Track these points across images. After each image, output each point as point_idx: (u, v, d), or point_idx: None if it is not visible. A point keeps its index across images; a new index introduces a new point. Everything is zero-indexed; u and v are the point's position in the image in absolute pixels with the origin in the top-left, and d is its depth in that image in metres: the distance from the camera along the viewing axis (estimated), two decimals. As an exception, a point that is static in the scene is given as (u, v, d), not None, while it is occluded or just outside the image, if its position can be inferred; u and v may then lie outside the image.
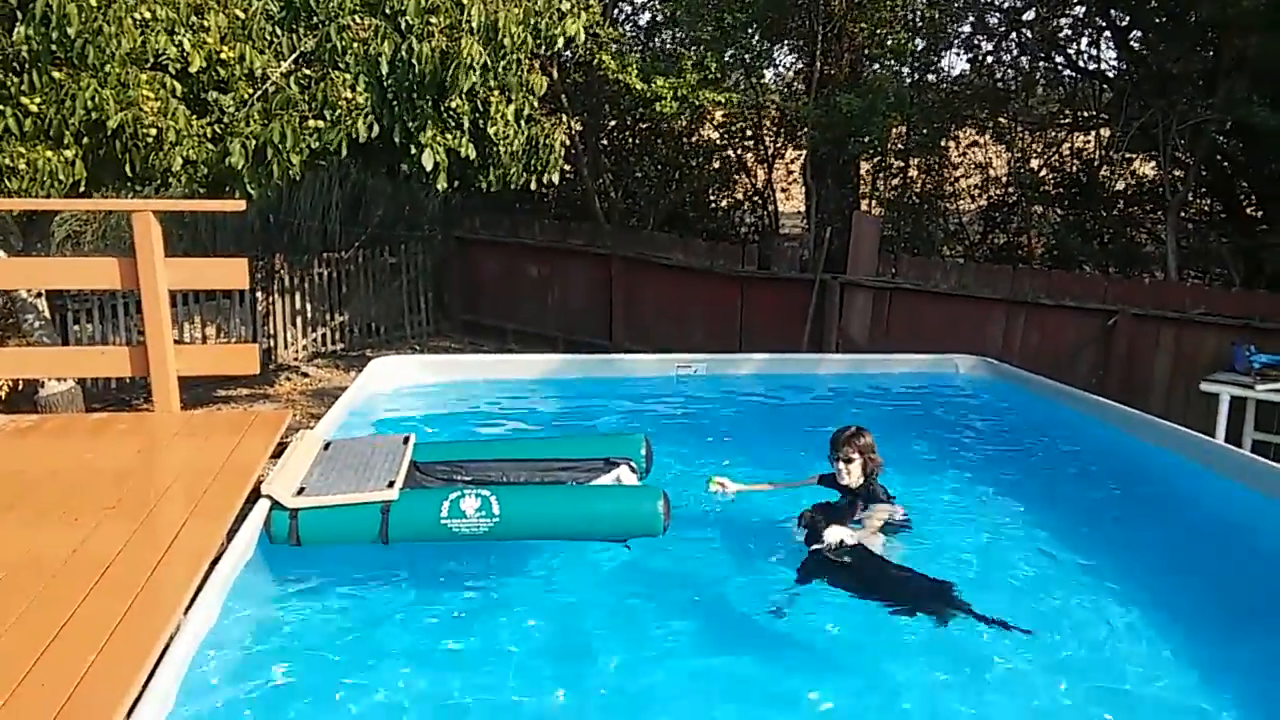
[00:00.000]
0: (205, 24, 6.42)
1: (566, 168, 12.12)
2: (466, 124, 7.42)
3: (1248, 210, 9.68)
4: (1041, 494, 5.61)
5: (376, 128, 7.06)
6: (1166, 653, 4.02)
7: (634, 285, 10.92)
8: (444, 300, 12.39)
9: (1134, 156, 10.23)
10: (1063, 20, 10.76)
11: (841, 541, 4.22)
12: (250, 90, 6.75)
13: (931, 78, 11.14)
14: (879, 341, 9.32)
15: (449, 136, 7.37)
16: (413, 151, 7.25)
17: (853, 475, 4.78)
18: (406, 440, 4.83)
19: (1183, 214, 9.65)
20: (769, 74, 11.63)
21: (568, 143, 8.30)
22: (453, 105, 7.23)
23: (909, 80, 10.73)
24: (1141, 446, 6.14)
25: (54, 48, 5.76)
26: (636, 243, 10.94)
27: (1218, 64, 8.45)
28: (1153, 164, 9.85)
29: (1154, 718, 3.66)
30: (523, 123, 7.93)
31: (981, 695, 3.67)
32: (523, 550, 4.54)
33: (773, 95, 11.52)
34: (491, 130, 7.56)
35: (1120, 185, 10.54)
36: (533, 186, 8.30)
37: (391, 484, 4.26)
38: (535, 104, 7.98)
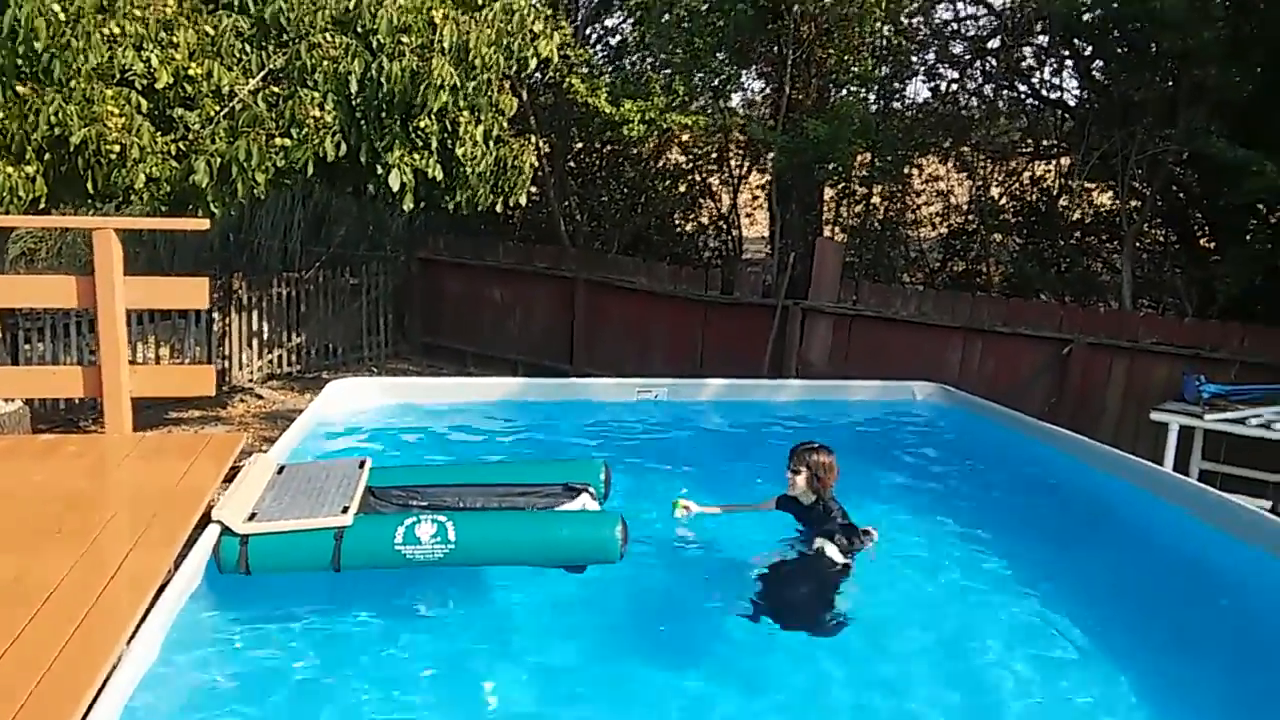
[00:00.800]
0: (174, 40, 6.36)
1: (533, 189, 12.15)
2: (435, 144, 7.40)
3: (1201, 241, 9.85)
4: (995, 520, 5.67)
5: (344, 147, 7.03)
6: (1111, 672, 4.11)
7: (596, 309, 10.93)
8: (404, 322, 12.32)
9: (1092, 186, 10.38)
10: (1026, 49, 10.92)
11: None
12: (217, 107, 6.70)
13: (897, 105, 11.27)
14: (839, 367, 9.39)
15: (417, 157, 7.35)
16: (379, 171, 7.22)
17: (797, 487, 4.92)
18: (362, 464, 4.80)
19: (1138, 244, 9.81)
20: (736, 98, 11.73)
21: (536, 164, 8.30)
22: (421, 125, 7.22)
23: (875, 107, 10.86)
24: (1093, 474, 6.23)
25: (20, 63, 5.70)
26: (600, 266, 10.96)
27: (1177, 94, 8.60)
28: (1110, 194, 10.00)
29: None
30: (491, 144, 7.92)
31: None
32: (478, 576, 4.51)
33: (740, 120, 11.62)
34: (460, 151, 7.54)
35: (1078, 214, 10.69)
36: (500, 208, 8.30)
37: (345, 509, 4.22)
38: (505, 125, 8.00)
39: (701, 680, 3.93)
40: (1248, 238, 8.79)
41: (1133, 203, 9.40)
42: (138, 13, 6.18)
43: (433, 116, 7.15)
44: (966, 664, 4.17)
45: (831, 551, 4.62)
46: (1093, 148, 9.34)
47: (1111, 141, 9.05)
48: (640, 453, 6.51)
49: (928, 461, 6.81)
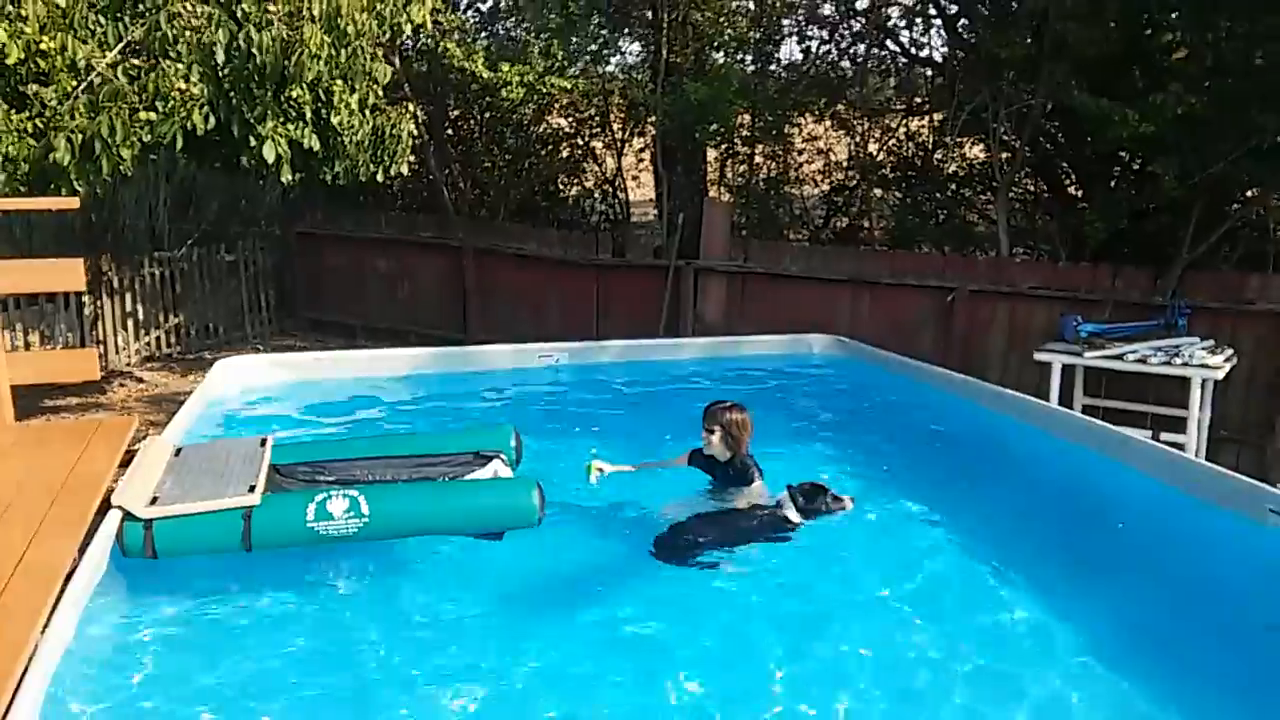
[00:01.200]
0: (23, 13, 6.00)
1: (413, 159, 11.86)
2: (309, 114, 7.16)
3: (1070, 190, 10.26)
4: (899, 461, 5.84)
5: (213, 119, 6.74)
6: (1012, 597, 4.30)
7: (487, 277, 10.79)
8: (287, 298, 11.94)
9: (965, 140, 10.70)
10: (893, 9, 11.16)
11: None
12: (74, 82, 6.33)
13: (772, 67, 11.39)
14: (734, 324, 9.49)
15: (291, 128, 7.11)
16: (253, 144, 6.95)
17: (712, 446, 4.96)
18: (264, 442, 4.65)
19: (1011, 194, 10.16)
20: (614, 62, 11.66)
21: (415, 132, 8.11)
22: (294, 95, 6.97)
23: (751, 69, 10.93)
24: (986, 413, 6.46)
25: None
26: (488, 233, 10.81)
27: (1040, 50, 8.91)
28: (982, 147, 10.32)
29: (1005, 657, 3.88)
30: (368, 112, 7.72)
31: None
32: (394, 549, 4.42)
33: (620, 83, 11.56)
34: (335, 120, 7.33)
35: (953, 168, 11.01)
36: (380, 178, 8.11)
37: (252, 488, 4.09)
38: (380, 93, 7.79)
39: (624, 637, 3.93)
40: (1112, 184, 9.20)
41: (1003, 155, 9.72)
42: (-20, -14, 5.80)
43: (305, 86, 6.95)
44: (875, 600, 4.27)
45: (789, 510, 4.67)
46: (962, 103, 9.61)
47: (980, 97, 9.34)
48: (547, 417, 6.48)
49: (829, 410, 6.96)
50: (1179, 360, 7.12)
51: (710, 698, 3.52)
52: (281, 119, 7.06)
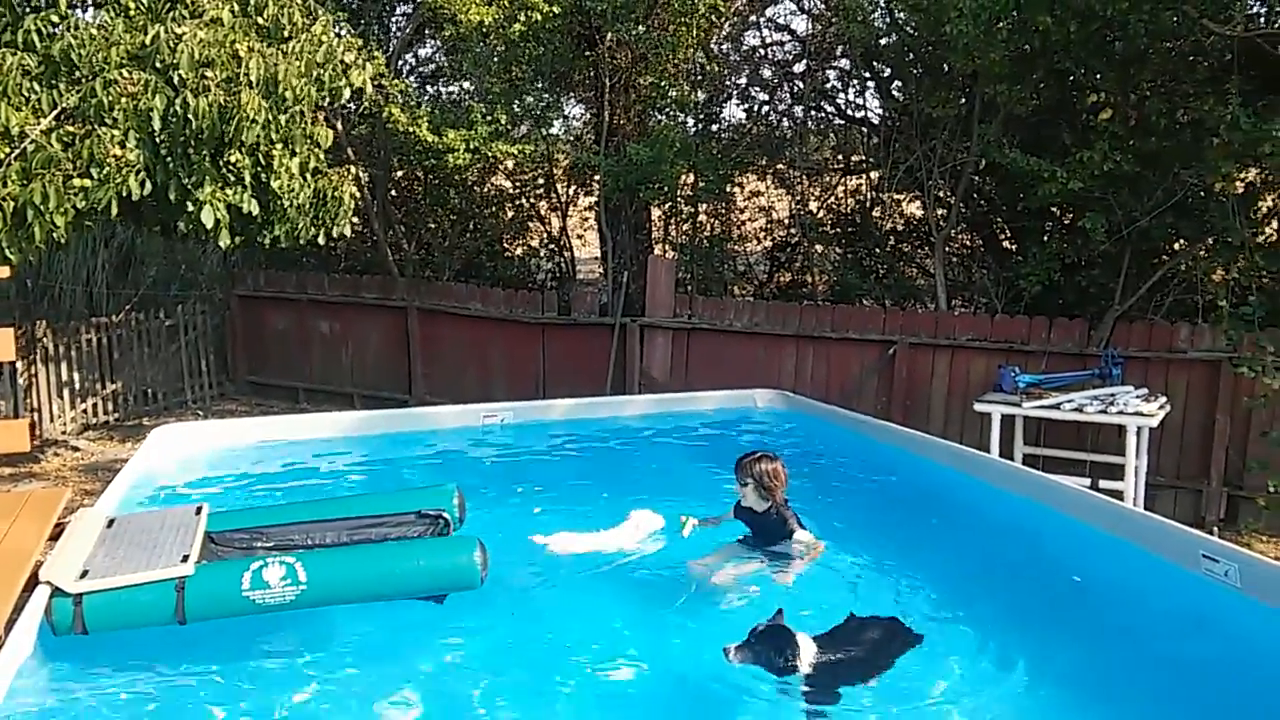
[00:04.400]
0: (-46, 81, 5.93)
1: (356, 220, 11.82)
2: (248, 178, 7.13)
3: (1005, 243, 10.52)
4: (843, 514, 5.85)
5: (149, 185, 6.68)
6: (950, 642, 4.33)
7: (432, 337, 10.75)
8: (228, 362, 11.79)
9: (901, 197, 10.94)
10: (830, 72, 11.47)
11: (817, 649, 3.74)
12: (6, 149, 6.26)
13: (715, 127, 11.59)
14: (680, 380, 9.53)
15: (230, 192, 7.06)
16: (190, 209, 6.90)
17: (748, 499, 5.01)
18: (199, 510, 4.56)
19: (948, 249, 10.39)
20: (558, 124, 11.78)
21: (358, 195, 8.11)
22: (233, 160, 6.95)
23: (694, 130, 11.15)
24: (929, 465, 6.53)
25: None
26: (432, 294, 10.79)
27: (971, 110, 9.19)
28: (918, 203, 10.56)
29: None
30: (309, 175, 7.70)
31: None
32: (334, 616, 4.33)
33: (563, 145, 11.68)
34: (275, 184, 7.29)
35: (891, 224, 11.23)
36: (322, 240, 8.07)
37: (185, 558, 4.00)
38: (321, 156, 7.78)
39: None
40: (1045, 238, 9.44)
41: (939, 211, 9.96)
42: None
43: (244, 151, 6.91)
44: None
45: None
46: (897, 162, 9.87)
47: (914, 155, 9.59)
48: (491, 478, 6.43)
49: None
50: (1114, 409, 7.26)
51: None
52: (220, 183, 7.00)
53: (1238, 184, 7.97)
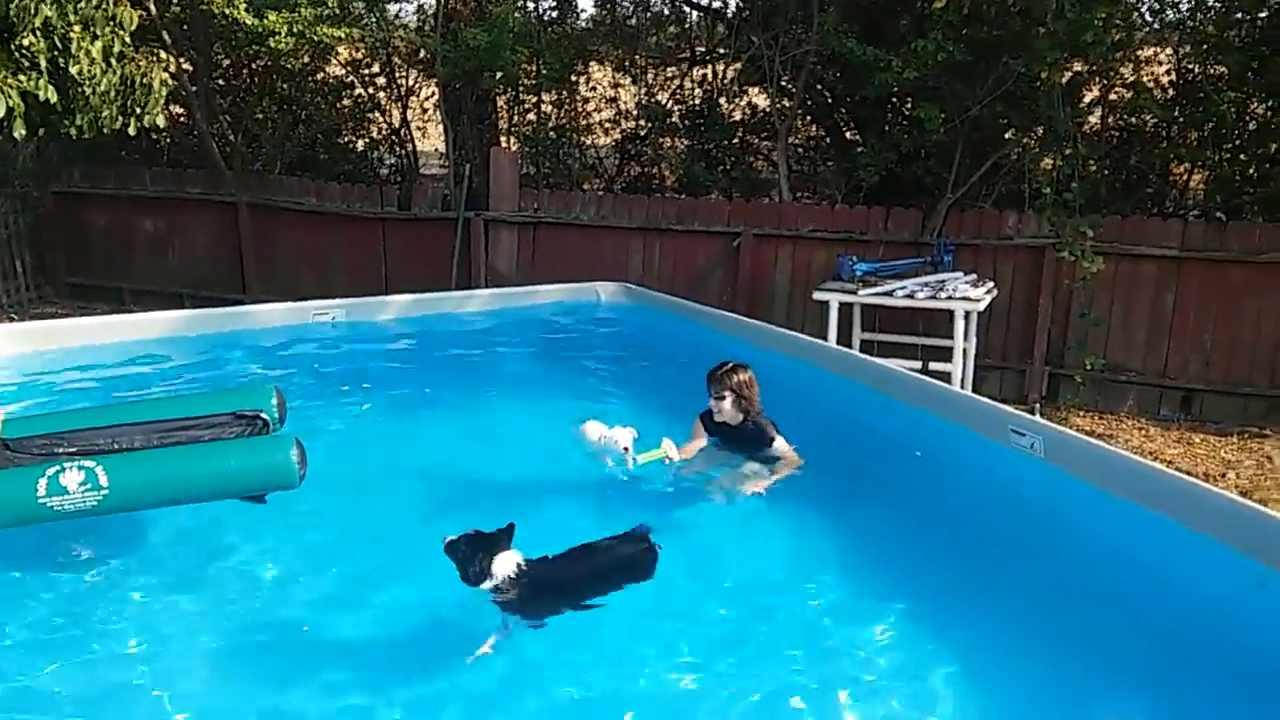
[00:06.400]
0: None
1: (178, 111, 11.12)
2: (44, 64, 6.55)
3: (847, 135, 10.61)
4: (683, 405, 5.88)
5: (-66, 74, 6.07)
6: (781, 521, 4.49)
7: (266, 234, 10.25)
8: (46, 262, 11.02)
9: (748, 88, 10.87)
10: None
11: (518, 567, 3.54)
12: None
13: (559, 14, 11.24)
14: (527, 276, 9.37)
15: (23, 78, 6.48)
16: (-20, 98, 6.30)
17: (725, 413, 4.76)
18: (-8, 416, 4.24)
19: (793, 141, 10.42)
20: (394, 9, 11.23)
21: (171, 82, 7.57)
22: (26, 44, 6.36)
23: (540, 16, 10.77)
24: (768, 354, 6.60)
25: None
26: (264, 188, 10.26)
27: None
28: (764, 95, 10.52)
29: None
30: (113, 60, 7.13)
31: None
32: (142, 521, 4.14)
33: (400, 30, 11.13)
34: (75, 70, 6.73)
35: (738, 116, 11.18)
36: (132, 131, 7.52)
37: (-27, 466, 3.72)
38: (127, 40, 7.20)
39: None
40: (885, 129, 9.55)
41: (784, 102, 9.94)
42: None
43: (38, 33, 6.32)
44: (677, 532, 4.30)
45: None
46: (742, 51, 9.77)
47: (758, 46, 9.51)
48: (321, 378, 6.21)
49: (614, 356, 6.98)
50: (944, 295, 7.49)
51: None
52: (12, 69, 6.43)
53: (1064, 74, 8.17)
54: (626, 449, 4.53)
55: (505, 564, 3.50)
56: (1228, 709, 3.25)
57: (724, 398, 4.74)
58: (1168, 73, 9.31)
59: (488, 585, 3.50)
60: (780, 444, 4.79)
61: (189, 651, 3.53)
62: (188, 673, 3.42)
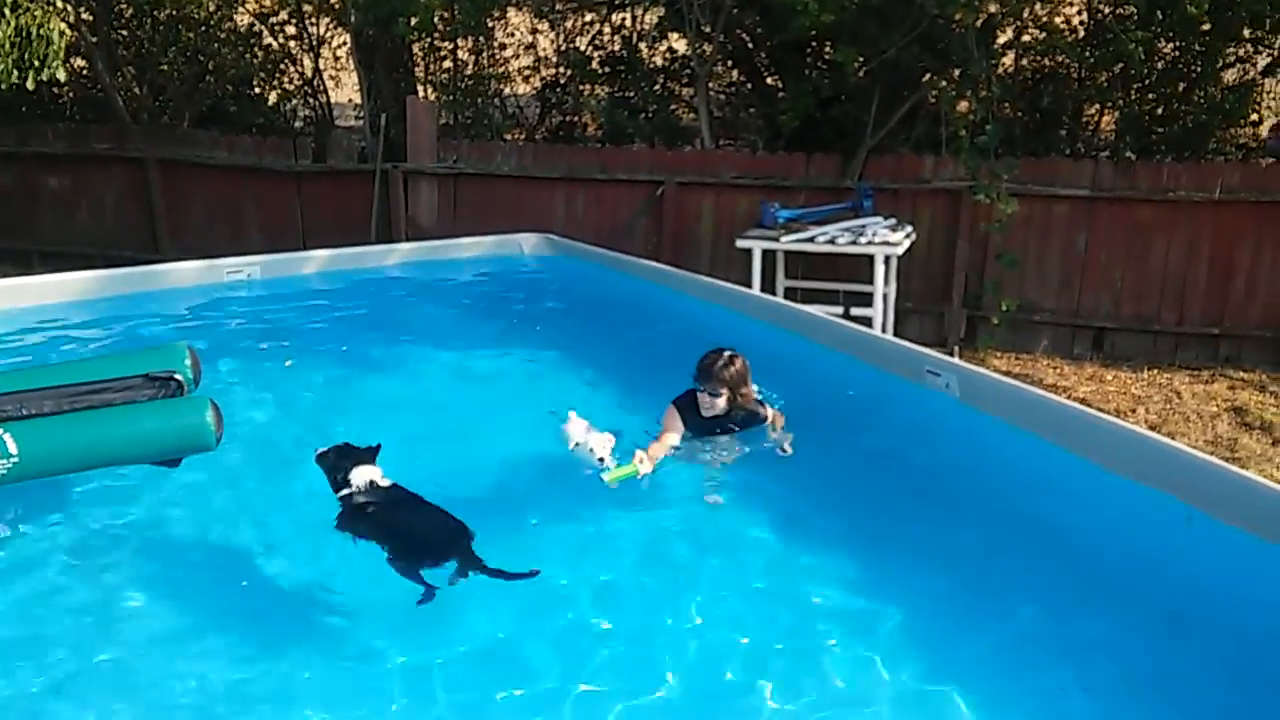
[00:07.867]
0: None
1: (80, 64, 10.70)
2: (-68, 15, 6.24)
3: (767, 80, 10.59)
4: (610, 358, 5.90)
5: None
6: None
7: (176, 190, 9.97)
8: (-56, 225, 10.59)
9: (668, 34, 10.76)
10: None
11: (371, 483, 3.79)
12: None
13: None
14: (449, 228, 9.24)
15: (-91, 29, 6.17)
16: None
17: (718, 408, 4.40)
18: (-114, 386, 4.08)
19: (713, 86, 10.36)
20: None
21: (70, 33, 7.27)
22: (-89, -7, 6.04)
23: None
24: (694, 303, 6.64)
25: None
26: (172, 142, 9.96)
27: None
28: (683, 40, 10.43)
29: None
30: (7, 11, 6.82)
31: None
32: (55, 489, 4.04)
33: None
34: (-35, 23, 6.43)
35: (659, 61, 11.08)
36: (30, 85, 7.21)
37: None
38: (23, -10, 6.87)
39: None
40: (805, 73, 9.55)
41: (705, 47, 9.87)
42: None
43: (-77, -17, 6.01)
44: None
45: None
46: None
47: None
48: (235, 337, 6.06)
49: (538, 308, 6.94)
50: (863, 240, 7.57)
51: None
52: (-103, 20, 6.11)
53: (979, 15, 8.22)
54: (602, 459, 4.16)
55: (362, 475, 3.81)
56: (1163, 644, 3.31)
57: (720, 394, 4.36)
58: (1079, 13, 9.44)
59: (344, 493, 3.80)
60: (770, 414, 4.59)
61: (110, 618, 3.47)
62: (106, 639, 3.36)
